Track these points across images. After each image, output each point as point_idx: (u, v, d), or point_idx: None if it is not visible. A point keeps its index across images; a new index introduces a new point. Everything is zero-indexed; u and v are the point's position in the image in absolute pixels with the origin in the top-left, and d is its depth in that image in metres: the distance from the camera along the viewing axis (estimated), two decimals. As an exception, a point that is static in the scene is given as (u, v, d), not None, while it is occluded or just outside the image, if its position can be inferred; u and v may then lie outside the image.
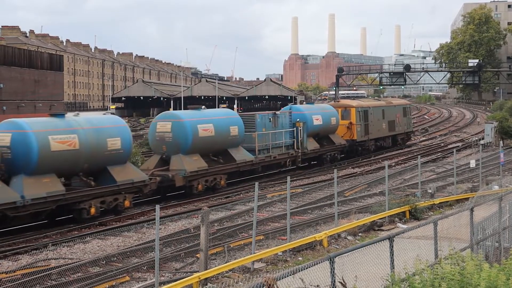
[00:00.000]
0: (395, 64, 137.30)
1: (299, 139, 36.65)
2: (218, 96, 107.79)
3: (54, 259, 18.75)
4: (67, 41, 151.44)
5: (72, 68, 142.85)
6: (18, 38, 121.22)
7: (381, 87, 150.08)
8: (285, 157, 35.80)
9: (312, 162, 40.09)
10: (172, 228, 22.71)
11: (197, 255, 17.53)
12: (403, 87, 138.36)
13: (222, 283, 15.05)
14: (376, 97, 60.79)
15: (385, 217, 22.97)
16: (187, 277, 14.82)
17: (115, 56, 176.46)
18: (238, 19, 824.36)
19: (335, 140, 41.40)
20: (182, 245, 19.78)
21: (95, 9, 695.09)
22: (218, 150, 31.35)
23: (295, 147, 36.50)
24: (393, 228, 21.94)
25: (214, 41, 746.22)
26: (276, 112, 36.34)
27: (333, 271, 9.52)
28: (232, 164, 31.39)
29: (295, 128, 36.62)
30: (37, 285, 15.92)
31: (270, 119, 34.57)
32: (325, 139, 40.80)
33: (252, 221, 18.15)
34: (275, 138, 34.85)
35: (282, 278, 8.62)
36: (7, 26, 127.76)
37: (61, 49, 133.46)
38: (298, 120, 36.91)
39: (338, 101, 47.90)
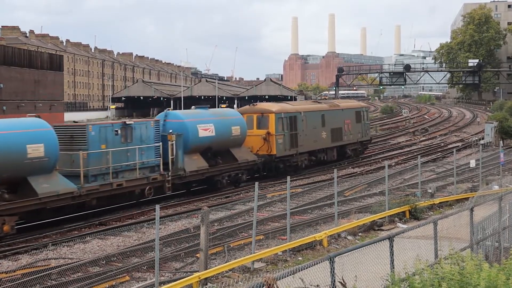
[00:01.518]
0: (395, 64, 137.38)
1: (170, 157, 27.34)
2: (218, 96, 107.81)
3: (54, 259, 18.77)
4: (67, 41, 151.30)
5: (72, 68, 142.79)
6: (18, 38, 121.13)
7: (381, 87, 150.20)
8: (141, 184, 26.15)
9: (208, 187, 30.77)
10: (172, 228, 22.73)
11: (197, 255, 17.53)
12: (403, 87, 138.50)
13: (222, 283, 15.05)
14: (316, 99, 49.81)
15: (385, 217, 22.99)
16: (187, 277, 14.84)
17: (115, 56, 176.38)
18: (238, 19, 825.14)
19: (240, 156, 31.76)
20: (182, 245, 19.79)
21: (95, 8, 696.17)
22: (6, 180, 21.38)
23: (162, 169, 27.00)
24: (393, 228, 21.95)
25: (214, 41, 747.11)
26: (128, 122, 26.71)
27: (333, 271, 9.52)
28: (30, 200, 21.54)
29: (166, 143, 27.44)
30: (37, 285, 15.93)
31: (116, 131, 25.42)
32: (223, 156, 31.35)
33: (252, 220, 18.15)
34: (126, 158, 25.62)
35: (282, 278, 8.62)
36: (7, 26, 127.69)
37: (61, 49, 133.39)
38: (170, 131, 27.85)
39: (254, 105, 36.82)
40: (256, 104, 37.82)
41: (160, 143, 27.24)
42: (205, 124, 30.14)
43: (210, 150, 30.61)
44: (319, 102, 43.28)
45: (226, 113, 33.55)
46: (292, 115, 36.12)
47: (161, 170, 27.10)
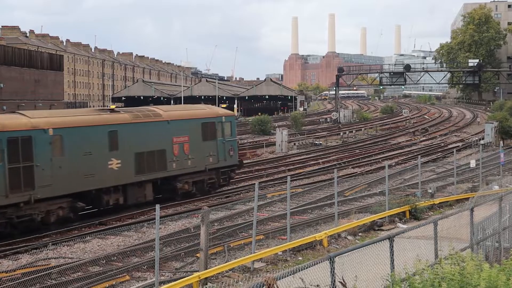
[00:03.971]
0: (395, 64, 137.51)
1: None
2: (218, 96, 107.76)
3: (54, 258, 18.79)
4: (67, 41, 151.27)
5: (72, 68, 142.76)
6: (18, 38, 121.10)
7: (381, 87, 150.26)
8: None
9: None
10: (172, 227, 22.74)
11: (197, 255, 17.53)
12: (403, 87, 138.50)
13: (222, 282, 15.06)
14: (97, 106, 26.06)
15: (385, 217, 22.99)
16: (187, 276, 14.84)
17: (115, 56, 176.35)
18: (237, 19, 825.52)
19: None
20: (182, 245, 19.80)
21: (95, 8, 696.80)
22: None
23: None
24: (393, 228, 21.95)
25: (214, 41, 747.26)
26: None
27: (333, 271, 9.51)
28: None
29: None
30: (37, 284, 15.93)
31: None
32: None
33: (252, 220, 18.15)
34: None
35: (282, 278, 8.62)
36: (7, 26, 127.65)
37: (61, 49, 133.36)
38: None
39: None
40: None
41: None
42: None
43: None
44: (114, 111, 26.58)
45: None
46: (20, 135, 21.28)
47: None
